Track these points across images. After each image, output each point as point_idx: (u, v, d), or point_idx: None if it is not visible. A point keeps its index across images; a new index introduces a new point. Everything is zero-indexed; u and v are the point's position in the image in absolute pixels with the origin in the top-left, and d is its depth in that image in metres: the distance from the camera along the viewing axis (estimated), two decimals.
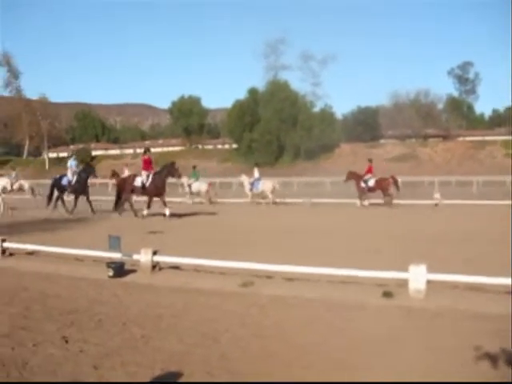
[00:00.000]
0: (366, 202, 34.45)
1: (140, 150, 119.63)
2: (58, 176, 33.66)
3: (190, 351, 7.54)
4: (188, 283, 12.09)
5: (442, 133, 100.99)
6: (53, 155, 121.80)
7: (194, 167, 41.80)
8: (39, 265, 14.66)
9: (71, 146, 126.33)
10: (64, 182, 32.03)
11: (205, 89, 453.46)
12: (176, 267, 13.52)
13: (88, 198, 31.44)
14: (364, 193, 34.82)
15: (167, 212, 26.48)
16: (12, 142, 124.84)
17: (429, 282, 10.51)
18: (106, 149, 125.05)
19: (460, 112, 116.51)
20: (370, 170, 35.21)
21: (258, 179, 37.66)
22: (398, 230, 20.30)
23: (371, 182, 34.24)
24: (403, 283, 10.72)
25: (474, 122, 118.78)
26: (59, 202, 32.12)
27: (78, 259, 14.98)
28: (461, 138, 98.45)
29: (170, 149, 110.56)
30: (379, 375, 6.56)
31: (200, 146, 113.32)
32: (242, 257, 12.88)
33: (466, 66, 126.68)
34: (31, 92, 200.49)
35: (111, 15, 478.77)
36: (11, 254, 15.99)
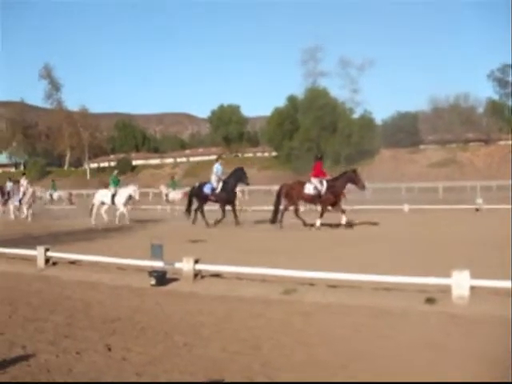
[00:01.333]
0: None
1: (180, 159, 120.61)
2: (197, 184, 29.83)
3: (233, 359, 7.50)
4: (230, 291, 12.07)
5: (482, 137, 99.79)
6: (94, 165, 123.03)
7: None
8: (82, 274, 14.77)
9: (112, 156, 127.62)
10: (206, 189, 28.25)
11: (244, 97, 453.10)
12: (218, 275, 13.51)
13: (234, 207, 27.90)
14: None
15: (344, 220, 24.26)
16: (54, 152, 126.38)
17: (472, 288, 10.36)
18: (147, 158, 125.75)
19: (501, 115, 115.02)
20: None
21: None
22: (440, 236, 20.10)
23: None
24: (446, 289, 10.59)
25: None
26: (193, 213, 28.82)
27: (120, 268, 15.04)
28: (502, 142, 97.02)
29: (210, 157, 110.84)
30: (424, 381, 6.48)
31: (240, 155, 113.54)
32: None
33: (505, 68, 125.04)
34: (72, 103, 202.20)
35: (149, 24, 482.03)
36: (54, 263, 16.11)
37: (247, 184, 29.37)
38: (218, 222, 27.07)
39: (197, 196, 28.95)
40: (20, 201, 37.74)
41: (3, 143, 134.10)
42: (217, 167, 28.57)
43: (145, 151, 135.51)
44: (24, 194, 37.34)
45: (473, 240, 18.17)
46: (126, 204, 32.18)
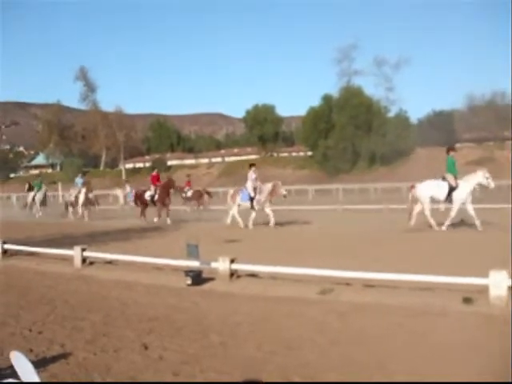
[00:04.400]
0: (188, 209, 41.85)
1: (215, 159, 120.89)
2: None
3: (269, 358, 7.51)
4: (266, 291, 12.07)
5: None
6: (129, 166, 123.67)
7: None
8: (118, 273, 14.87)
9: (147, 157, 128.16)
10: None
11: (279, 96, 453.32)
12: (254, 275, 13.51)
13: None
14: (186, 201, 42.79)
15: None
16: (89, 153, 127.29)
17: (510, 289, 10.22)
18: (182, 158, 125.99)
19: None
20: (188, 184, 43.85)
21: (131, 191, 41.48)
22: (476, 236, 19.91)
23: (189, 193, 42.50)
24: (483, 289, 10.47)
25: None
26: None
27: (157, 268, 15.12)
28: None
29: (246, 157, 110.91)
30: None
31: (275, 154, 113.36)
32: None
33: None
34: (107, 104, 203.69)
35: (184, 25, 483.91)
36: (91, 263, 16.24)
37: None
38: None
39: None
40: (251, 199, 27.16)
41: (40, 144, 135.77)
42: None
43: (180, 151, 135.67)
44: (255, 189, 27.24)
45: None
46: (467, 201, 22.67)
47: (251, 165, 28.70)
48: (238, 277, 13.38)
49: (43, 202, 43.42)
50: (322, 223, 26.77)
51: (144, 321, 9.81)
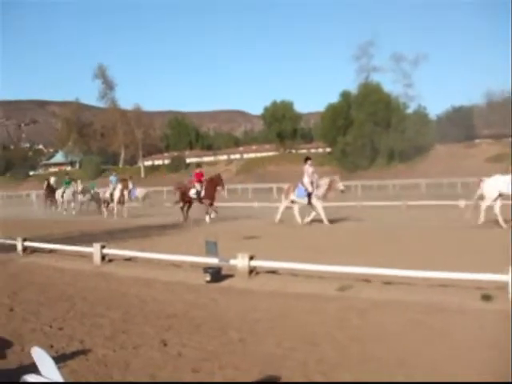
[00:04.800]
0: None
1: (234, 156, 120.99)
2: None
3: (288, 355, 7.49)
4: (285, 287, 12.05)
5: None
6: (148, 163, 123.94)
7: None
8: (137, 270, 14.90)
9: (165, 154, 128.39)
10: None
11: (297, 93, 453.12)
12: (273, 272, 13.50)
13: None
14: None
15: None
16: (108, 151, 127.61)
17: None
18: (200, 156, 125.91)
19: None
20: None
21: (134, 188, 41.17)
22: (495, 233, 19.79)
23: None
24: (502, 286, 10.39)
25: None
26: None
27: (176, 265, 15.14)
28: None
29: (264, 154, 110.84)
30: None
31: (293, 151, 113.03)
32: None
33: None
34: (125, 102, 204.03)
35: (202, 23, 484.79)
36: (110, 260, 16.28)
37: None
38: None
39: None
40: (309, 194, 25.13)
41: (59, 142, 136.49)
42: None
43: (198, 149, 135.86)
44: (312, 183, 25.14)
45: None
46: None
47: (307, 158, 26.76)
48: (257, 273, 13.37)
49: (71, 200, 43.73)
50: (340, 220, 26.68)
51: (163, 317, 9.83)
